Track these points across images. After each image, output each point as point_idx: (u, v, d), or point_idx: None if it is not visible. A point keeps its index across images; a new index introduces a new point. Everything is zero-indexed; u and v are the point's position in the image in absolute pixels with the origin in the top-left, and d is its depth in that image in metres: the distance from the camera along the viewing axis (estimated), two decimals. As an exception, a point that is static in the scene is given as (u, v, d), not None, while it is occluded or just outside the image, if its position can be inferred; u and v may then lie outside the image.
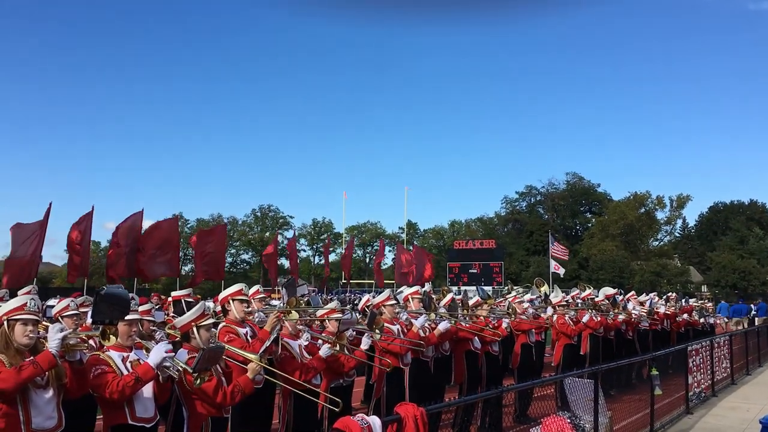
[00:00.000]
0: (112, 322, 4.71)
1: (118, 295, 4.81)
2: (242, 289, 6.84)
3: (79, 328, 6.60)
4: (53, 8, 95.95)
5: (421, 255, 36.84)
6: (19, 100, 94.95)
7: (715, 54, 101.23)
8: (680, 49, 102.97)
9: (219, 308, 7.30)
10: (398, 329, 8.15)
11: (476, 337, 9.39)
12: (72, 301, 7.82)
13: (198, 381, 4.83)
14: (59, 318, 7.23)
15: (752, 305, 35.76)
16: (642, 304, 15.71)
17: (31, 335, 4.34)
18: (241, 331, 6.52)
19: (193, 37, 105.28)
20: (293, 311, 6.92)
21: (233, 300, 6.69)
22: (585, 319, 11.94)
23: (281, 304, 7.39)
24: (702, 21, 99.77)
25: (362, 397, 11.12)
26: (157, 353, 4.64)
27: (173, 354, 4.79)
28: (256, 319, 6.93)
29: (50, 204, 16.68)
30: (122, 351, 4.86)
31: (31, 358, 4.19)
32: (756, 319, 31.11)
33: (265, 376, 5.98)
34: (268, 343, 5.65)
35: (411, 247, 44.42)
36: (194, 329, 5.51)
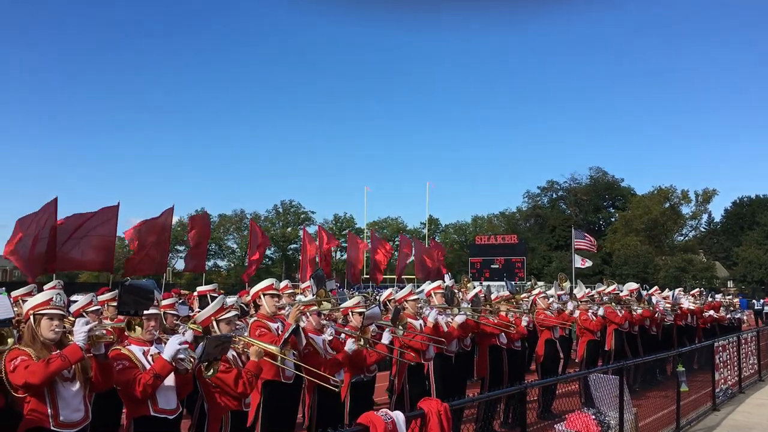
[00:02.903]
0: (138, 313, 4.74)
1: (142, 287, 4.85)
2: (273, 284, 6.91)
3: (114, 321, 6.67)
4: (76, 8, 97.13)
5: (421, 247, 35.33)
6: (48, 98, 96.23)
7: (742, 46, 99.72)
8: (706, 42, 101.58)
9: (237, 304, 7.34)
10: (421, 325, 8.12)
11: (502, 332, 9.33)
12: (93, 296, 7.92)
13: (211, 371, 4.84)
14: (83, 314, 7.31)
15: (754, 300, 36.17)
16: (665, 299, 15.52)
17: (56, 330, 4.39)
18: (273, 325, 6.55)
19: (219, 36, 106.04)
20: (324, 302, 6.95)
21: (264, 295, 6.75)
22: (600, 311, 11.80)
23: (311, 298, 7.41)
24: (729, 12, 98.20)
25: (385, 391, 11.11)
26: (170, 347, 4.66)
27: (186, 346, 4.80)
28: (287, 314, 6.95)
29: (56, 198, 16.61)
30: (143, 345, 4.89)
31: (58, 351, 4.23)
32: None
33: (295, 371, 6.00)
34: (287, 335, 5.66)
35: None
36: (214, 323, 5.56)
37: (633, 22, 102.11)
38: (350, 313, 7.31)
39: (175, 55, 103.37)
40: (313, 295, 7.32)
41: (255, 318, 6.70)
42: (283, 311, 6.87)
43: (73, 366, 4.27)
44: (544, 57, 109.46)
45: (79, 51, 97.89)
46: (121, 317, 5.07)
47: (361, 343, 6.87)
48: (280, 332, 6.48)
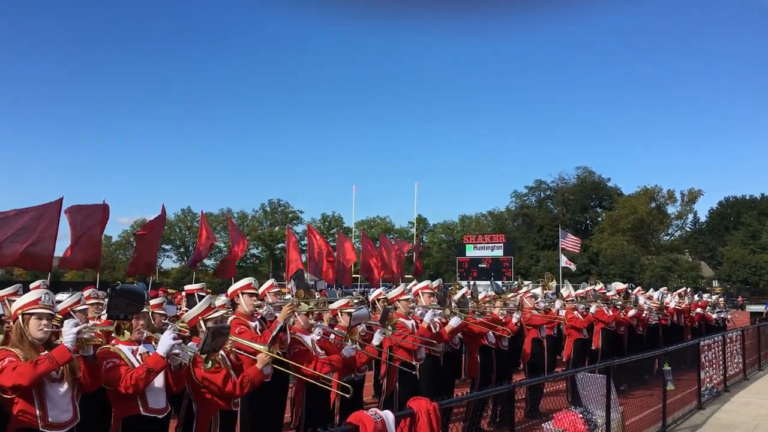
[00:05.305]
0: (128, 317, 4.71)
1: (133, 290, 4.83)
2: (251, 283, 6.85)
3: (99, 322, 6.62)
4: (72, 8, 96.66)
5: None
6: (35, 99, 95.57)
7: (727, 48, 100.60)
8: (691, 44, 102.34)
9: (228, 303, 7.31)
10: (413, 324, 8.11)
11: (490, 332, 9.35)
12: (81, 295, 7.88)
13: (209, 363, 4.82)
14: (71, 313, 7.26)
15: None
16: (651, 299, 15.64)
17: (45, 329, 4.36)
18: (251, 324, 6.53)
19: (203, 36, 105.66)
20: (303, 303, 6.92)
21: (242, 294, 6.70)
22: (593, 309, 11.87)
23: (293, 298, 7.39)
24: (713, 15, 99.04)
25: (373, 391, 11.13)
26: (164, 342, 4.63)
27: (181, 341, 4.78)
28: (264, 313, 6.93)
29: (62, 198, 16.64)
30: (131, 344, 4.85)
31: (46, 352, 4.20)
32: None
33: (279, 367, 5.98)
34: (275, 332, 5.65)
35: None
36: (202, 323, 5.54)
37: (619, 25, 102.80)
38: (339, 313, 7.32)
39: (164, 55, 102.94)
40: (293, 294, 7.29)
41: (234, 316, 6.66)
42: (261, 310, 6.85)
43: (62, 367, 4.25)
44: (531, 59, 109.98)
45: (65, 48, 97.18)
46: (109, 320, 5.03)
47: (354, 345, 6.87)
48: (258, 331, 6.46)
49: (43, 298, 4.43)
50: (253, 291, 6.76)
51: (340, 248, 30.79)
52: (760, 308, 35.32)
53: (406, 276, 36.15)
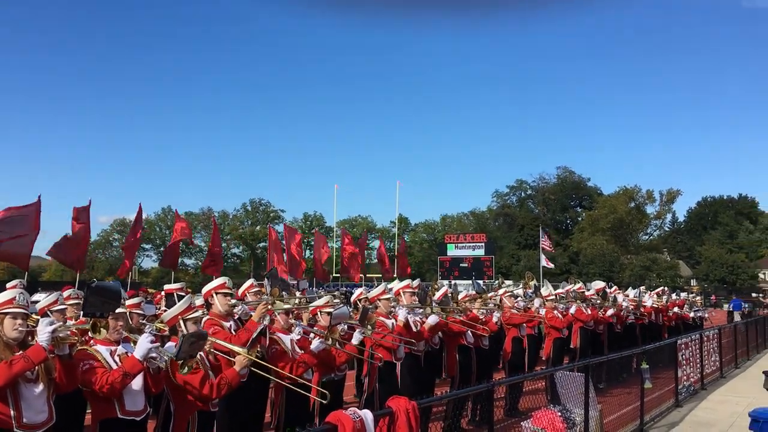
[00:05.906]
0: (103, 315, 4.66)
1: (109, 288, 4.76)
2: (225, 283, 6.78)
3: (77, 321, 6.56)
4: (57, 8, 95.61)
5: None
6: (18, 97, 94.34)
7: (706, 50, 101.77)
8: (670, 45, 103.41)
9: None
10: (393, 323, 8.11)
11: (469, 331, 9.37)
12: (59, 295, 7.79)
13: (185, 369, 4.78)
14: (48, 312, 7.18)
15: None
16: (627, 298, 15.78)
17: (20, 329, 4.30)
18: (226, 324, 6.47)
19: (185, 33, 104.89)
20: (278, 301, 6.87)
21: (216, 293, 6.62)
22: (572, 310, 11.95)
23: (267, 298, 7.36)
24: (694, 17, 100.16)
25: (354, 391, 11.12)
26: (142, 346, 4.57)
27: (158, 344, 4.73)
28: (239, 312, 6.88)
29: (39, 197, 16.43)
30: (109, 345, 4.79)
31: (21, 352, 4.15)
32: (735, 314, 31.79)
33: (257, 370, 5.94)
34: (255, 335, 5.60)
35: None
36: (181, 322, 5.49)
37: (601, 26, 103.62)
38: (319, 313, 7.29)
39: (148, 54, 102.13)
40: (268, 293, 7.22)
41: (208, 317, 6.59)
42: (236, 309, 6.80)
43: (37, 367, 4.19)
44: (513, 59, 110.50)
45: (48, 46, 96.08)
46: (84, 318, 4.97)
47: (329, 342, 6.85)
48: (233, 331, 6.41)
49: (17, 298, 4.38)
50: (227, 291, 6.68)
51: (317, 247, 30.81)
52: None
53: (394, 275, 36.15)
